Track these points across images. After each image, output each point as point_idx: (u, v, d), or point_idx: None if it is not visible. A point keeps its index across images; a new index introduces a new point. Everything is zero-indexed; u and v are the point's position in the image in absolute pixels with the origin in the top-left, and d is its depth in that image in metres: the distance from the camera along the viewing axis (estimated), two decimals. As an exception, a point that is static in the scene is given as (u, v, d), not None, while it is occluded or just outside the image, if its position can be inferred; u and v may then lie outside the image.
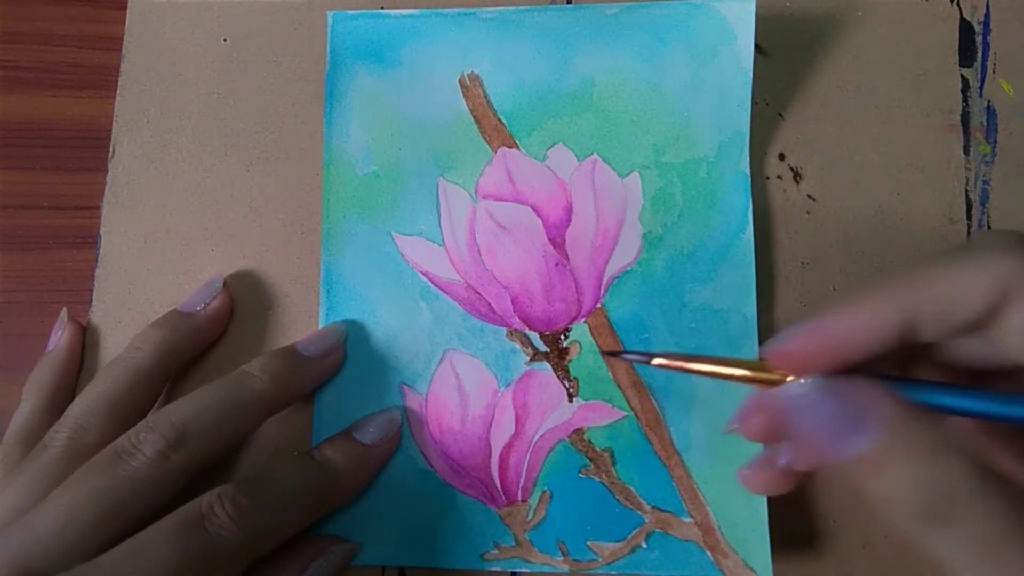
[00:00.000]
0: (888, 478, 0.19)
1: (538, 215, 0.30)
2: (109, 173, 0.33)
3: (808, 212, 0.31)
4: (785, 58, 0.32)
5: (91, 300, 0.32)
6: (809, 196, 0.31)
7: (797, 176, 0.31)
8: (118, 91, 0.33)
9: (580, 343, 0.30)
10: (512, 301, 0.30)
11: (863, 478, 0.20)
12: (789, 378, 0.22)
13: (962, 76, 0.32)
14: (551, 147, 0.31)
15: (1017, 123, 0.31)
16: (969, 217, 0.31)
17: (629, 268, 0.30)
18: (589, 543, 0.28)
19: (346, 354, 0.30)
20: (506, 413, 0.29)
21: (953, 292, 0.20)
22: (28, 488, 0.25)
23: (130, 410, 0.28)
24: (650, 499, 0.28)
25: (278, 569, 0.26)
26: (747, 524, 0.28)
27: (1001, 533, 0.18)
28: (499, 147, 0.31)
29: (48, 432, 0.27)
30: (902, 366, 0.24)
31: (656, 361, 0.24)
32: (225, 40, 0.34)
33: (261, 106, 0.33)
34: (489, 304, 0.30)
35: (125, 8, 0.34)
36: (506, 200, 0.31)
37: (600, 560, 0.28)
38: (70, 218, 0.33)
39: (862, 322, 0.21)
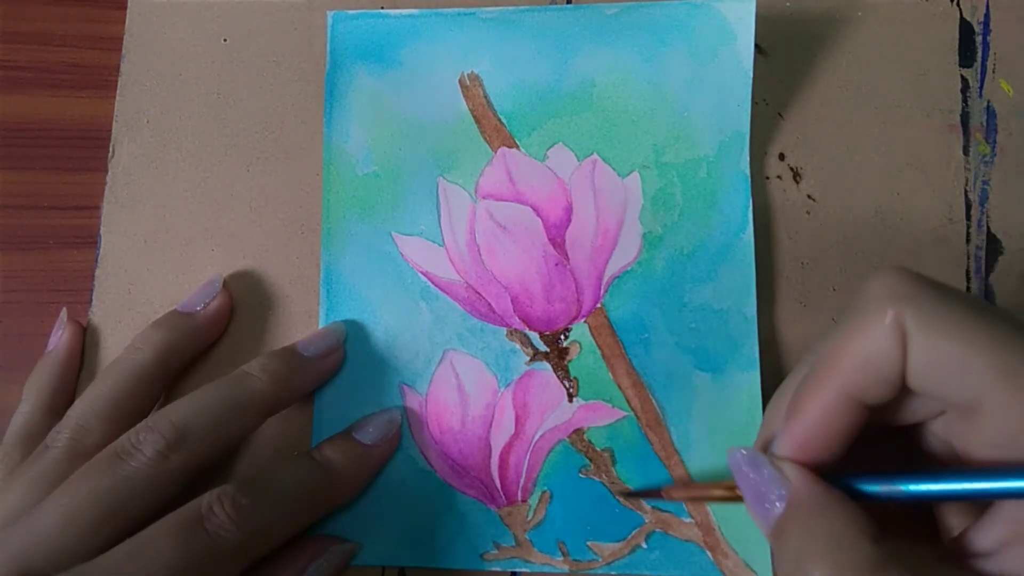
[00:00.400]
0: (785, 553, 0.20)
1: (538, 215, 0.30)
2: (109, 173, 0.33)
3: (808, 212, 0.31)
4: (785, 58, 0.32)
5: (91, 300, 0.32)
6: (809, 196, 0.31)
7: (797, 176, 0.31)
8: (118, 91, 0.33)
9: (580, 343, 0.30)
10: (512, 301, 0.30)
11: (775, 549, 0.21)
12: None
13: (962, 76, 0.32)
14: (551, 147, 0.31)
15: (1017, 123, 0.31)
16: (968, 217, 0.31)
17: (629, 268, 0.30)
18: (589, 543, 0.28)
19: (346, 354, 0.30)
20: (506, 413, 0.29)
21: (870, 354, 0.20)
22: (29, 489, 0.25)
23: (131, 411, 0.28)
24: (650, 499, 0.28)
25: (278, 569, 0.26)
26: (747, 524, 0.28)
27: None
28: (499, 147, 0.31)
29: (49, 433, 0.27)
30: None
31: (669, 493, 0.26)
32: (225, 40, 0.34)
33: (261, 106, 0.33)
34: (489, 304, 0.30)
35: (125, 8, 0.34)
36: (506, 200, 0.31)
37: (600, 560, 0.28)
38: (70, 218, 0.33)
39: (812, 423, 0.21)
